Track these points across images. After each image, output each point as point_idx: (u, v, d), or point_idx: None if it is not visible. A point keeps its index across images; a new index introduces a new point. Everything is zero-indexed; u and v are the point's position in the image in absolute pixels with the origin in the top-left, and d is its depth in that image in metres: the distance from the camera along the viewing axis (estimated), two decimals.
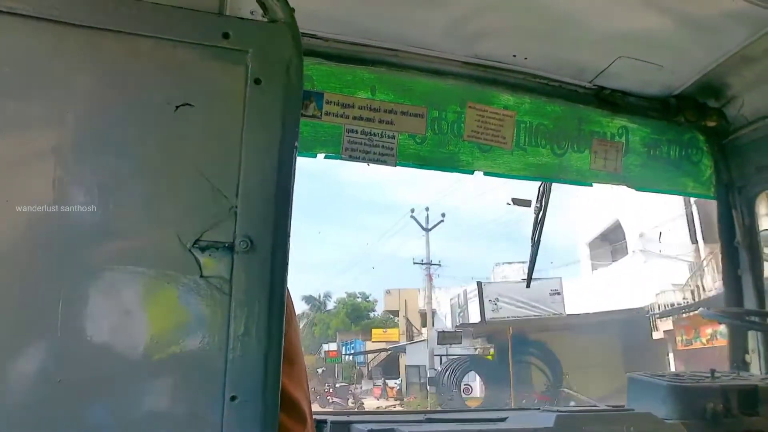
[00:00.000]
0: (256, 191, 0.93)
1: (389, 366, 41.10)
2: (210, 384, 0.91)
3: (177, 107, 0.92)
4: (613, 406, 2.48)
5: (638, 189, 2.91)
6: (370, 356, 44.77)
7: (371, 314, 61.15)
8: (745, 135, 2.79)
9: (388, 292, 44.24)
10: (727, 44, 2.40)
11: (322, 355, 52.04)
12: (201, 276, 0.91)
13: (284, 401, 0.97)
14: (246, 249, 0.91)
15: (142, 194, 0.92)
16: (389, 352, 41.42)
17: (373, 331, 43.19)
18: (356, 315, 59.22)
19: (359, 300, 63.51)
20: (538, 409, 2.38)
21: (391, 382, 35.78)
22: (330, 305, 64.34)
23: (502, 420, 2.14)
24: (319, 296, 65.35)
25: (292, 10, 0.96)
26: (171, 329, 0.92)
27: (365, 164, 2.45)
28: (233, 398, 0.90)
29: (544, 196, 2.92)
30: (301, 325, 55.79)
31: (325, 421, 2.14)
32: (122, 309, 0.91)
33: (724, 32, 2.33)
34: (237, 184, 0.92)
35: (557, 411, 2.08)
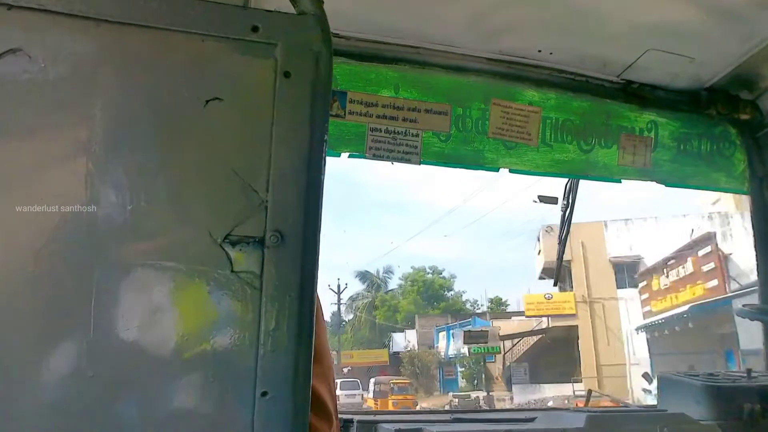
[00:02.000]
0: (286, 186, 0.93)
1: (550, 357, 28.24)
2: (241, 379, 0.90)
3: (207, 102, 0.92)
4: (645, 407, 2.42)
5: (668, 185, 2.84)
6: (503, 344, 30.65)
7: (447, 294, 51.20)
8: None
9: (548, 230, 24.79)
10: (760, 34, 2.33)
11: (392, 347, 45.38)
12: (232, 271, 0.90)
13: (312, 400, 0.96)
14: (276, 243, 0.91)
15: (172, 190, 0.92)
16: (542, 335, 29.00)
17: (526, 299, 28.90)
18: (429, 295, 49.05)
19: (429, 275, 51.52)
20: (568, 409, 2.34)
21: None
22: (392, 284, 53.78)
23: (531, 420, 2.11)
24: (378, 272, 53.87)
25: (321, 2, 0.96)
26: (202, 325, 0.92)
27: (389, 163, 2.45)
28: (264, 394, 0.89)
29: (570, 192, 2.87)
30: (359, 311, 50.34)
31: (351, 421, 2.14)
32: (153, 305, 0.91)
33: (757, 22, 2.26)
34: (267, 178, 0.92)
35: (588, 411, 2.05)
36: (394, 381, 30.66)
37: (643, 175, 2.77)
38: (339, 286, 50.57)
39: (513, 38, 2.40)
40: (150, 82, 0.93)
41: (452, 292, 52.11)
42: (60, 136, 0.91)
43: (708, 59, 2.52)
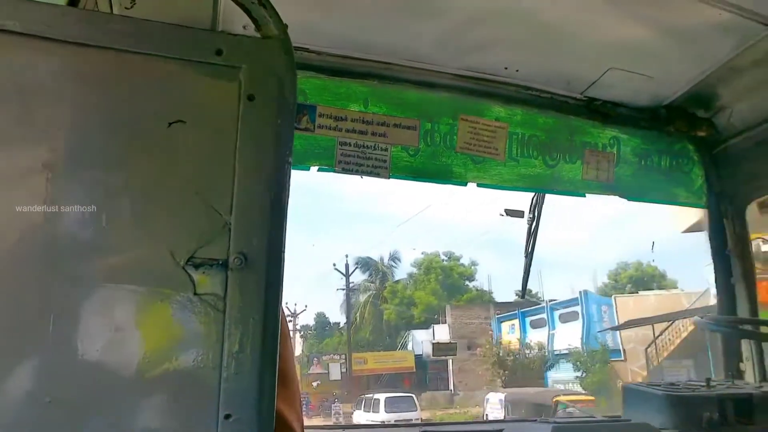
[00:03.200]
0: (250, 207, 0.93)
1: None
2: (204, 402, 0.90)
3: (170, 124, 0.92)
4: (609, 417, 2.47)
5: (630, 199, 2.92)
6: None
7: (469, 284, 43.14)
8: (735, 144, 2.81)
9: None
10: (715, 55, 2.43)
11: (412, 347, 38.04)
12: (195, 293, 0.90)
13: (278, 424, 0.96)
14: (240, 266, 0.91)
15: (135, 211, 0.91)
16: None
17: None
18: (448, 284, 41.22)
19: (446, 262, 43.50)
20: (535, 419, 2.37)
21: None
22: (398, 273, 44.90)
23: (499, 431, 2.13)
24: (382, 260, 44.70)
25: (285, 26, 0.97)
26: (164, 347, 0.91)
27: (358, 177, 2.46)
28: (227, 416, 0.89)
29: (537, 207, 2.93)
30: (362, 305, 43.04)
31: None
32: (115, 327, 0.90)
33: (712, 43, 2.36)
34: (231, 200, 0.92)
35: (554, 422, 2.08)
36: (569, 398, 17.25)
37: (607, 189, 2.84)
38: (347, 266, 41.51)
39: (481, 55, 2.45)
40: (112, 103, 0.93)
41: (475, 282, 43.31)
42: (20, 155, 0.89)
43: (667, 78, 2.62)
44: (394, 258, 45.51)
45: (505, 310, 35.45)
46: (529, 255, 2.93)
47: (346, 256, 42.18)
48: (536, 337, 30.46)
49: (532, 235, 2.93)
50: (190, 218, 0.92)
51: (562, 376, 27.06)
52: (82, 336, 0.88)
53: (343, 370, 37.45)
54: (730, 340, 2.83)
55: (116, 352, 0.89)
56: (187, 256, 0.90)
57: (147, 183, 0.93)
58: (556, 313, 30.07)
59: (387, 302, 43.02)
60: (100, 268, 0.90)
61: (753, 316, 2.78)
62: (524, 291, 3.51)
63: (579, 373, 25.47)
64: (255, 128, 0.94)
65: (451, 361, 35.11)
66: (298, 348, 44.09)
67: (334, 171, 2.40)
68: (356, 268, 43.14)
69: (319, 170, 2.41)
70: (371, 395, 27.93)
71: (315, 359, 39.47)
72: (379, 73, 2.45)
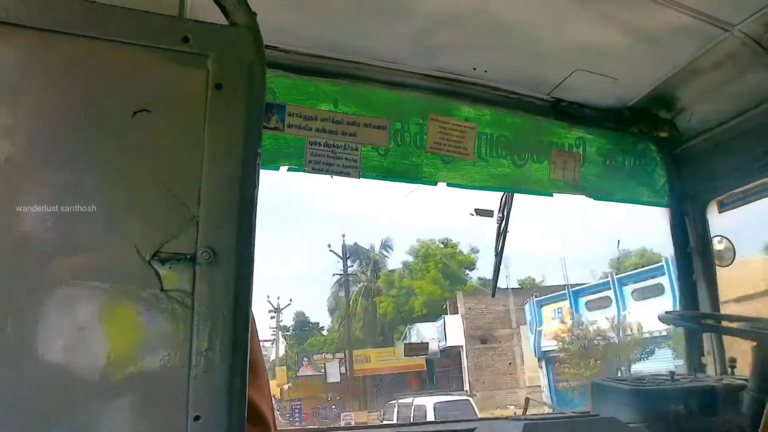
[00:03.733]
0: (218, 200, 0.90)
1: None
2: (172, 403, 0.87)
3: (134, 113, 0.89)
4: (578, 412, 2.51)
5: (596, 198, 2.98)
6: None
7: (470, 273, 37.79)
8: (696, 145, 2.90)
9: None
10: (676, 58, 2.51)
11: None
12: (161, 289, 0.87)
13: (249, 413, 0.94)
14: (208, 260, 0.88)
15: (98, 204, 0.88)
16: None
17: None
18: (448, 273, 36.41)
19: (443, 249, 38.13)
20: (507, 418, 2.39)
21: None
22: (391, 263, 39.94)
23: (471, 430, 2.14)
24: (373, 248, 39.95)
25: (254, 14, 0.95)
26: (130, 346, 0.87)
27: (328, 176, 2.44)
28: (197, 418, 0.86)
29: (506, 206, 2.96)
30: (354, 298, 38.71)
31: None
32: (77, 326, 0.86)
33: (673, 47, 2.43)
34: (198, 192, 0.89)
35: (525, 419, 2.10)
36: None
37: (573, 189, 2.89)
38: (344, 248, 36.90)
39: (449, 56, 2.46)
40: (74, 91, 0.89)
41: (475, 271, 38.18)
42: None
43: (630, 80, 2.68)
44: (386, 246, 40.58)
45: (527, 294, 29.10)
46: (498, 254, 2.96)
47: (343, 236, 38.43)
48: (593, 319, 24.00)
49: (501, 234, 2.95)
50: (155, 211, 0.89)
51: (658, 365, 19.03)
52: (42, 337, 0.84)
53: (343, 370, 33.50)
54: (692, 334, 2.91)
55: (79, 353, 0.86)
56: (152, 251, 0.87)
57: (110, 174, 0.89)
58: (627, 289, 23.58)
59: (382, 294, 38.40)
60: (61, 264, 0.87)
61: (714, 311, 2.87)
62: (494, 289, 3.54)
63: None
64: (223, 118, 0.91)
65: (465, 355, 30.29)
66: (281, 349, 41.60)
67: (305, 171, 2.38)
68: (347, 257, 38.91)
69: (289, 170, 2.38)
70: (409, 400, 20.70)
71: (305, 359, 36.03)
72: (348, 73, 2.45)
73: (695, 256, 2.94)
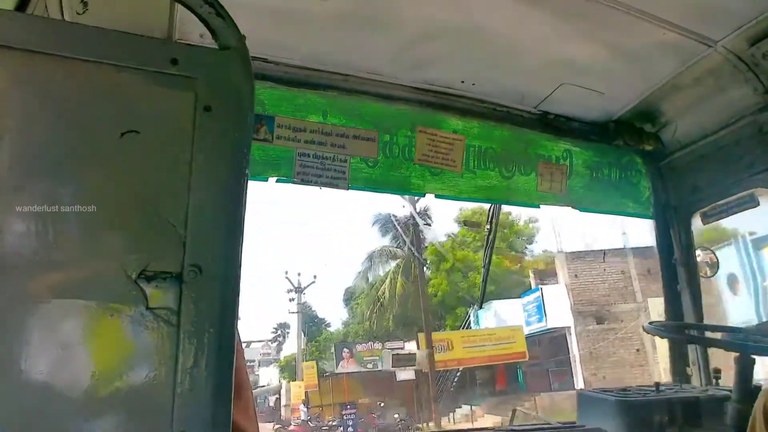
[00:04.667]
0: (205, 219, 0.91)
1: None
2: (157, 421, 0.87)
3: (122, 134, 0.90)
4: (565, 423, 2.52)
5: (582, 210, 3.02)
6: None
7: (530, 247, 31.97)
8: (680, 158, 2.95)
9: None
10: (660, 73, 2.55)
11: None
12: (147, 308, 0.87)
13: None
14: (195, 278, 0.89)
15: (85, 223, 0.88)
16: None
17: None
18: (508, 246, 29.76)
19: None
20: (494, 428, 2.40)
21: None
22: (433, 234, 31.30)
23: None
24: (412, 216, 28.98)
25: (243, 37, 0.96)
26: (116, 364, 0.88)
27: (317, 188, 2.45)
28: None
29: (493, 218, 2.98)
30: (391, 277, 30.53)
31: None
32: (62, 345, 0.86)
33: (658, 61, 2.47)
34: (186, 212, 0.90)
35: (510, 429, 2.11)
36: None
37: (560, 200, 2.93)
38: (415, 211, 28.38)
39: (437, 69, 2.49)
40: (62, 112, 0.89)
41: (535, 245, 32.57)
42: None
43: (615, 94, 2.73)
44: (424, 215, 31.40)
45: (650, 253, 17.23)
46: (486, 266, 2.98)
47: (405, 207, 28.88)
48: None
49: (489, 245, 2.98)
50: (142, 230, 0.90)
51: None
52: (26, 356, 0.84)
53: (413, 366, 25.41)
54: (677, 345, 2.94)
55: (64, 371, 0.86)
56: (139, 269, 0.87)
57: (98, 194, 0.90)
58: None
59: (433, 269, 30.70)
60: (47, 282, 0.87)
61: (698, 321, 2.90)
62: (482, 300, 3.56)
63: None
64: (211, 139, 0.92)
65: (574, 340, 22.26)
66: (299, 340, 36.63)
67: (293, 182, 2.38)
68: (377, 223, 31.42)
69: (277, 181, 2.39)
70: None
71: (344, 351, 27.94)
72: (337, 85, 2.46)
73: (680, 267, 2.98)
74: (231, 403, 0.91)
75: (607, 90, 2.68)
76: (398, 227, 30.86)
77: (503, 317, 25.35)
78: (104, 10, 1.27)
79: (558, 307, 22.44)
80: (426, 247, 30.68)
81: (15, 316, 0.84)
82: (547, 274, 25.03)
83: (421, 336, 24.44)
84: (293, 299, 38.63)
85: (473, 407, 23.61)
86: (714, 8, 2.18)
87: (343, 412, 24.75)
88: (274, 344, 56.98)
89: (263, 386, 45.04)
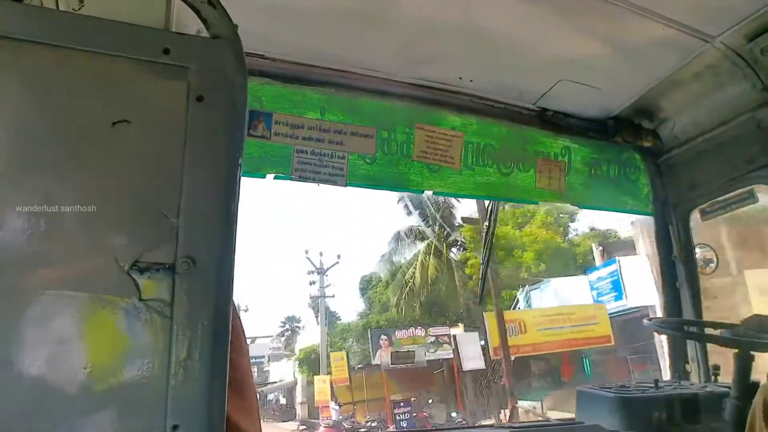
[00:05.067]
0: (198, 210, 0.91)
1: None
2: (150, 413, 0.86)
3: (114, 123, 0.89)
4: (563, 420, 2.52)
5: (581, 206, 3.01)
6: None
7: (572, 226, 28.24)
8: (679, 154, 2.94)
9: None
10: (658, 69, 2.54)
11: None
12: (140, 299, 0.87)
13: None
14: (188, 269, 0.88)
15: (77, 214, 0.88)
16: None
17: None
18: (550, 222, 26.71)
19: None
20: (492, 426, 2.39)
21: None
22: (461, 211, 28.37)
23: None
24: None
25: (235, 26, 0.95)
26: (108, 356, 0.87)
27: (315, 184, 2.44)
28: (175, 427, 0.86)
29: (492, 214, 2.98)
30: (420, 255, 27.68)
31: None
32: (55, 337, 0.86)
33: (656, 58, 2.47)
34: (178, 202, 0.89)
35: (510, 426, 2.11)
36: None
37: (559, 197, 2.92)
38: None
39: (434, 66, 2.48)
40: (54, 101, 0.89)
41: (577, 223, 29.05)
42: None
43: (614, 90, 2.72)
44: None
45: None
46: (485, 262, 2.98)
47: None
48: None
49: (487, 241, 2.97)
50: (135, 221, 0.89)
51: None
52: (18, 348, 0.84)
53: (481, 352, 21.41)
54: (676, 341, 2.94)
55: (57, 364, 0.85)
56: (131, 261, 0.87)
57: (90, 184, 0.89)
58: None
59: (464, 249, 27.61)
60: (38, 274, 0.86)
61: (697, 318, 2.90)
62: (481, 297, 3.56)
63: None
64: (204, 129, 0.92)
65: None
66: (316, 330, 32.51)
67: (291, 179, 2.38)
68: (399, 206, 28.30)
69: (275, 178, 2.38)
70: None
71: (383, 339, 23.56)
72: (335, 82, 2.46)
73: (679, 264, 2.97)
74: (225, 396, 0.90)
75: (605, 86, 2.67)
76: (430, 204, 27.96)
77: (565, 297, 21.12)
78: (101, 2, 1.26)
79: (637, 283, 17.98)
80: (460, 224, 27.30)
81: (6, 308, 0.83)
82: (616, 247, 21.59)
83: (489, 316, 19.08)
84: (314, 282, 34.77)
85: (533, 402, 19.60)
86: (712, 4, 2.17)
87: (396, 411, 21.35)
88: (283, 338, 55.70)
89: (274, 382, 43.25)
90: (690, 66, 2.47)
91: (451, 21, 2.20)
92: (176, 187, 0.89)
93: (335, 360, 26.47)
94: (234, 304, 1.19)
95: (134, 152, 0.91)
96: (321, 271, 34.39)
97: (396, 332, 24.10)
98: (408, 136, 2.60)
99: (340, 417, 23.63)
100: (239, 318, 1.21)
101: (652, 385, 2.44)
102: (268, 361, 50.94)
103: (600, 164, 3.01)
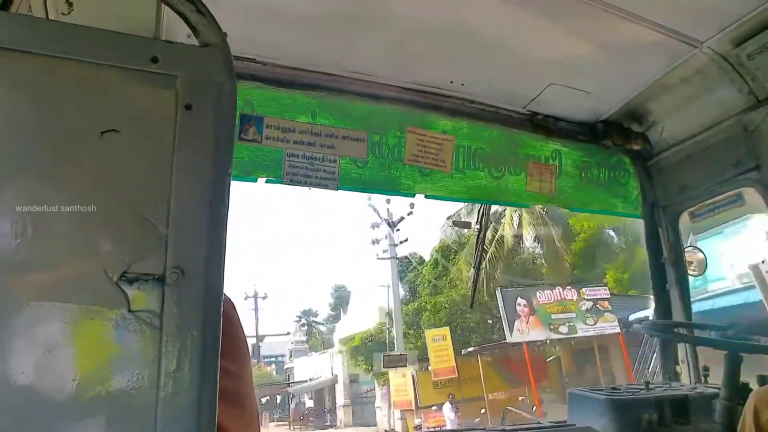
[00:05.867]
0: (187, 220, 0.90)
1: None
2: (140, 425, 0.85)
3: (102, 133, 0.88)
4: (555, 422, 2.52)
5: (572, 209, 3.03)
6: None
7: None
8: (667, 157, 2.97)
9: None
10: (647, 73, 2.57)
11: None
12: (129, 310, 0.86)
13: None
14: (177, 280, 0.87)
15: (65, 224, 0.87)
16: None
17: None
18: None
19: None
20: (485, 428, 2.40)
21: None
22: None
23: None
24: None
25: (224, 34, 0.95)
26: (96, 368, 0.86)
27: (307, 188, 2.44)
28: None
29: (483, 217, 2.99)
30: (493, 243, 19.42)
31: None
32: (43, 346, 0.84)
33: (644, 62, 2.49)
34: (167, 212, 0.88)
35: (501, 429, 2.11)
36: None
37: (549, 200, 2.94)
38: None
39: (426, 69, 2.49)
40: (42, 110, 0.88)
41: None
42: None
43: (603, 94, 2.74)
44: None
45: None
46: (476, 266, 2.98)
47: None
48: None
49: (479, 245, 2.98)
50: (123, 231, 0.88)
51: None
52: (6, 358, 0.82)
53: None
54: (666, 343, 2.96)
55: (44, 374, 0.84)
56: (120, 271, 0.86)
57: (78, 194, 0.88)
58: None
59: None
60: (26, 284, 0.85)
61: (687, 320, 2.92)
62: (473, 301, 3.56)
63: None
64: (193, 138, 0.91)
65: None
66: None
67: (282, 182, 2.37)
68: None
69: (266, 182, 2.37)
70: None
71: (521, 304, 17.52)
72: (326, 85, 2.45)
73: (668, 266, 2.99)
74: (216, 407, 0.90)
75: (594, 90, 2.69)
76: None
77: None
78: (89, 10, 1.25)
79: None
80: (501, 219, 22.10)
81: None
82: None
83: None
84: (377, 241, 25.94)
85: None
86: (699, 9, 2.20)
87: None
88: (304, 328, 51.09)
89: (300, 381, 37.89)
90: (678, 70, 2.50)
91: (442, 25, 2.21)
92: (165, 197, 0.89)
93: (434, 341, 19.21)
94: (237, 316, 1.19)
95: (123, 162, 0.90)
96: (392, 224, 25.37)
97: (537, 293, 17.90)
98: (399, 139, 2.60)
99: (461, 426, 16.49)
100: (242, 329, 1.20)
101: (643, 386, 2.46)
102: (290, 357, 47.07)
103: (590, 167, 3.03)
